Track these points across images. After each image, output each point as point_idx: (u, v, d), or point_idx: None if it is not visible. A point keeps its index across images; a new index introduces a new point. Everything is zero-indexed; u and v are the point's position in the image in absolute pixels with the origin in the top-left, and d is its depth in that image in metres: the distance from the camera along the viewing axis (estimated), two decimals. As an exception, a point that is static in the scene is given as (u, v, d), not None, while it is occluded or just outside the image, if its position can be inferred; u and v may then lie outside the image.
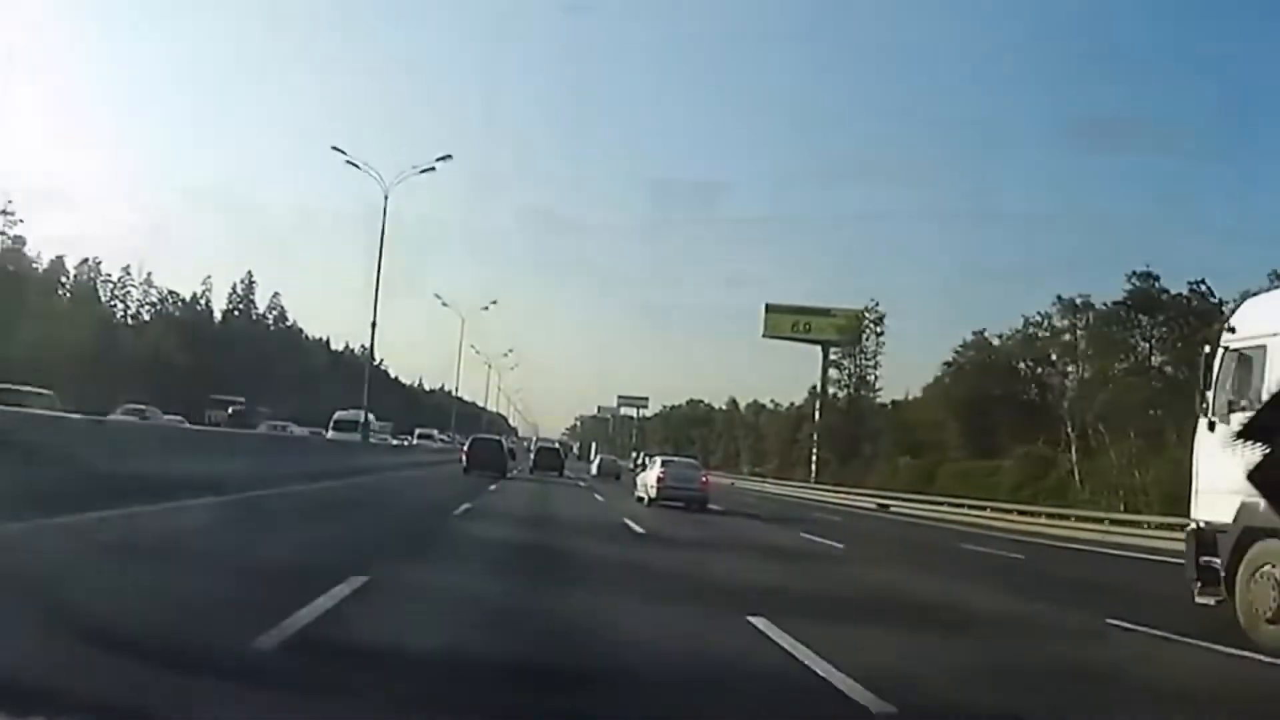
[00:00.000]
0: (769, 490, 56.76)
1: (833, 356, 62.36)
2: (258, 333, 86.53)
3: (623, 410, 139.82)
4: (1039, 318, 46.12)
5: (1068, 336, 44.94)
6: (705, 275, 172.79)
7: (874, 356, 57.73)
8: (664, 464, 25.84)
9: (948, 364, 49.40)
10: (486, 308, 69.01)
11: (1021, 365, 46.63)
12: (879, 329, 57.50)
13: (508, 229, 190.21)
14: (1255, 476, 2.20)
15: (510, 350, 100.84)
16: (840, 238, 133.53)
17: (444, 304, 64.93)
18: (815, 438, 63.20)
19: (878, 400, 58.56)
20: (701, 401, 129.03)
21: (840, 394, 60.25)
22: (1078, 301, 43.61)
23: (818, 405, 65.06)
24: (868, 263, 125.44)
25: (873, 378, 58.25)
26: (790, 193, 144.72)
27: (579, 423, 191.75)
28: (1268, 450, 2.16)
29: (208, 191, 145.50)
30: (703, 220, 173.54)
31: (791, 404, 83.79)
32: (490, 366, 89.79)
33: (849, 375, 59.21)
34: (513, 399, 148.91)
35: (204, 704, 3.44)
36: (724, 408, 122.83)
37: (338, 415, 47.02)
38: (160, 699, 3.33)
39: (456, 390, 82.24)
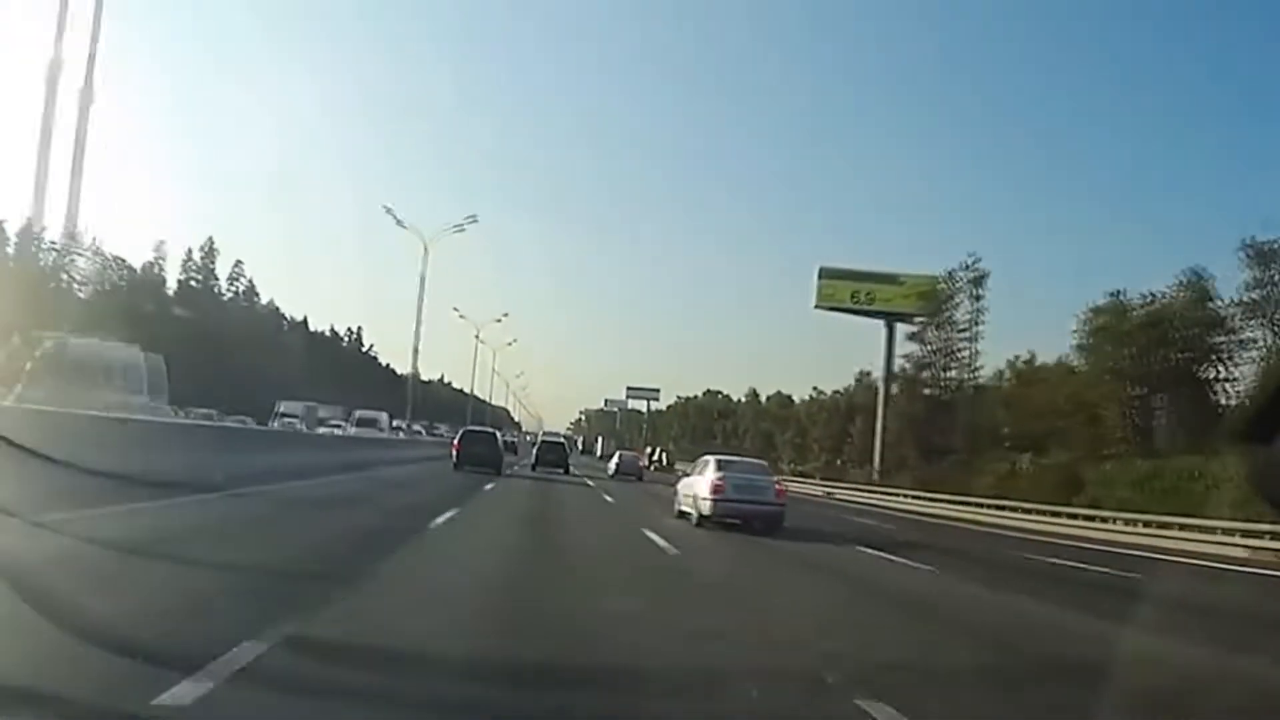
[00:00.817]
0: (832, 495, 45.18)
1: (909, 329, 50.21)
2: (214, 307, 74.58)
3: (631, 404, 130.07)
4: (1192, 276, 34.37)
5: (1255, 294, 32.94)
6: (718, 252, 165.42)
7: (972, 327, 45.32)
8: (721, 466, 18.08)
9: (1086, 333, 36.91)
10: (499, 320, 72.82)
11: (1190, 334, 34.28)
12: (978, 292, 45.10)
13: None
14: (1255, 477, 2.32)
15: (514, 340, 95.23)
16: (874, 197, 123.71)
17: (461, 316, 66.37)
18: (882, 429, 51.23)
19: (977, 382, 46.19)
20: (720, 392, 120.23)
21: (922, 374, 47.91)
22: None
23: (881, 391, 53.10)
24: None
25: (967, 354, 45.83)
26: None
27: (583, 417, 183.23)
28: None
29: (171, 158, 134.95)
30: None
31: (836, 392, 71.92)
32: (478, 339, 78.28)
33: (932, 351, 46.82)
34: (514, 390, 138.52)
35: None
36: (744, 399, 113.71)
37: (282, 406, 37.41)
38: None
39: (464, 381, 70.77)
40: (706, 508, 17.01)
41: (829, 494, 46.07)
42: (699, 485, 17.75)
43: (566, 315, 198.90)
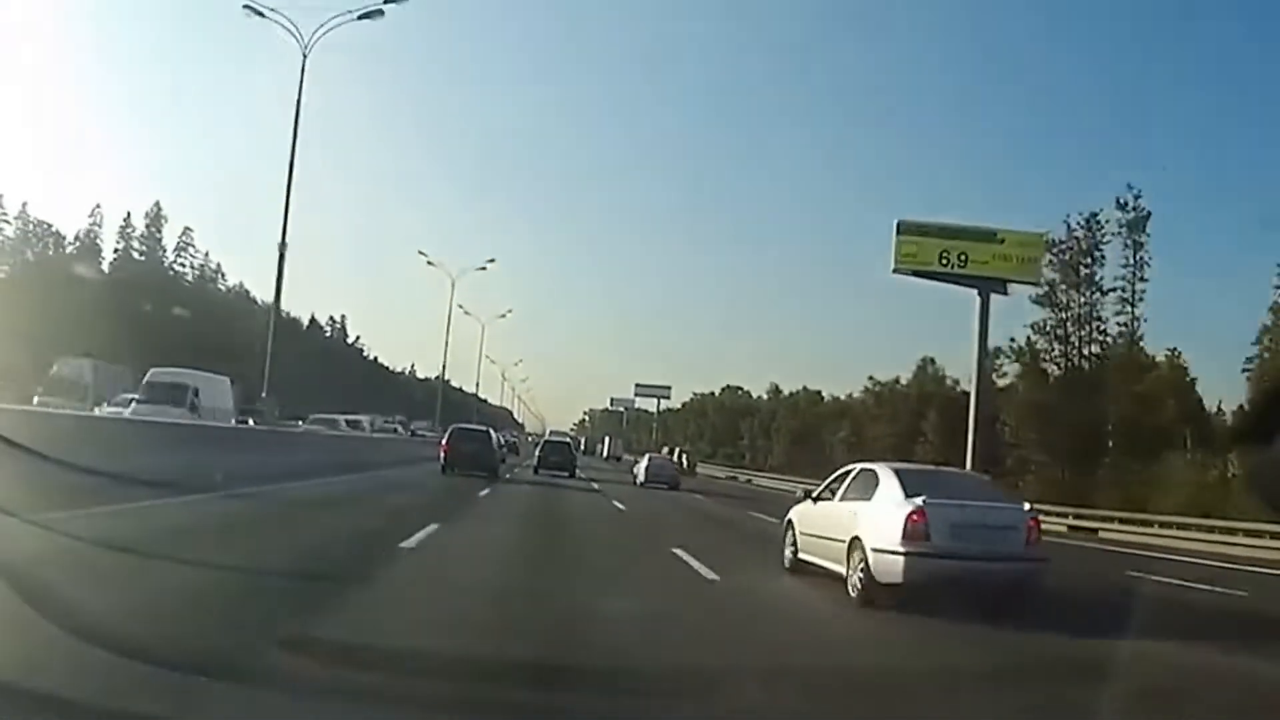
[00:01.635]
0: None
1: (1036, 292, 39.34)
2: (158, 282, 63.96)
3: (639, 402, 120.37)
4: None
5: None
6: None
7: (1131, 285, 34.50)
8: (910, 484, 9.40)
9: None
10: (504, 315, 71.63)
11: None
12: (1137, 238, 34.21)
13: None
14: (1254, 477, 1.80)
15: (520, 360, 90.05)
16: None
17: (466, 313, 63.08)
18: (975, 425, 40.50)
19: (1140, 358, 35.07)
20: (739, 388, 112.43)
21: (1051, 349, 36.97)
22: None
23: (974, 378, 42.39)
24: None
25: (1127, 321, 34.92)
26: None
27: (586, 417, 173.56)
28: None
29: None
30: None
31: (895, 380, 61.72)
32: (482, 326, 70.32)
33: (1069, 319, 35.94)
34: (518, 390, 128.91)
35: None
36: (765, 395, 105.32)
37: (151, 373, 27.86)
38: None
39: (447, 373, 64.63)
40: (894, 567, 8.84)
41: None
42: (864, 521, 9.43)
43: (569, 314, 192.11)
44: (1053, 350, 36.97)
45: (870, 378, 70.45)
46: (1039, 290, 38.05)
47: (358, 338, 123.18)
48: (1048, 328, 36.98)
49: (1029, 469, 35.04)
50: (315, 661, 4.75)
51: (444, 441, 28.26)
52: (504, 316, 73.95)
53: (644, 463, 39.54)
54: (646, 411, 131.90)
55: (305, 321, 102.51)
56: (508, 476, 29.38)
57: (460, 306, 60.44)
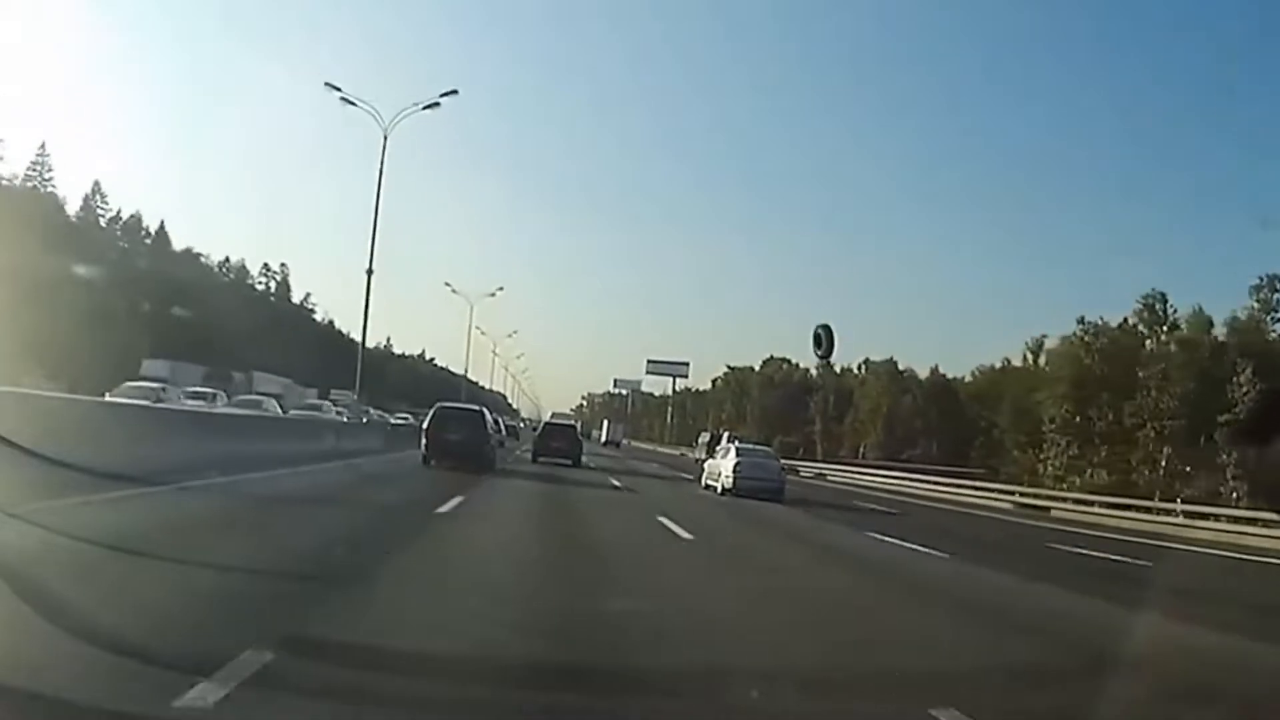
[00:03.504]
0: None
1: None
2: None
3: (647, 384, 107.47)
4: None
5: None
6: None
7: None
8: (740, 453, 25.37)
9: None
10: (493, 294, 67.21)
11: None
12: None
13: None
14: (1252, 476, 2.21)
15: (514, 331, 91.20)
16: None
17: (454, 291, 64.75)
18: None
19: None
20: (786, 360, 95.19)
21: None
22: None
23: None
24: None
25: None
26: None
27: (585, 402, 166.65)
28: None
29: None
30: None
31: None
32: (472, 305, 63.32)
33: None
34: (512, 372, 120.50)
35: None
36: (815, 371, 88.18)
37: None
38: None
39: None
40: (730, 484, 23.61)
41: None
42: (724, 466, 24.79)
43: (565, 294, 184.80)
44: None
45: (1033, 338, 66.47)
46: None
47: (307, 295, 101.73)
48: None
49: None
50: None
51: (425, 425, 23.20)
52: (493, 295, 68.92)
53: (728, 460, 24.97)
54: (653, 396, 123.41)
55: (215, 262, 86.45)
56: (500, 468, 24.28)
57: (447, 284, 53.40)
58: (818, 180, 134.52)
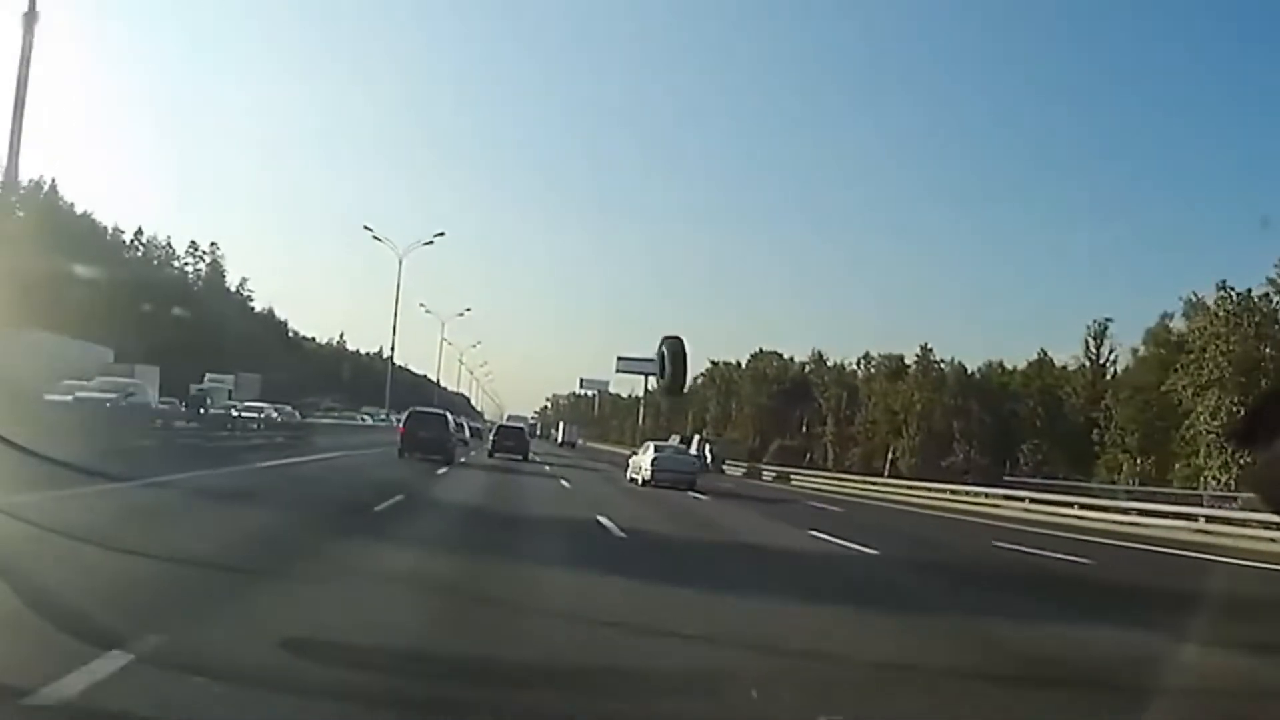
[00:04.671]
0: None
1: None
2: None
3: (615, 384, 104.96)
4: None
5: None
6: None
7: None
8: (657, 449, 30.21)
9: None
10: (462, 314, 77.34)
11: None
12: None
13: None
14: (1252, 476, 2.22)
15: (479, 342, 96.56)
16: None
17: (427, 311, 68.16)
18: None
19: None
20: (778, 354, 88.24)
21: None
22: None
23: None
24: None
25: None
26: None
27: (549, 403, 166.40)
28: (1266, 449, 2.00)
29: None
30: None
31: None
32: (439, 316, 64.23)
33: None
34: (476, 375, 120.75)
35: None
36: (808, 364, 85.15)
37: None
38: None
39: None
40: (649, 477, 27.36)
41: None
42: (644, 462, 28.62)
43: (533, 294, 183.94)
44: None
45: (1095, 320, 58.32)
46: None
47: (243, 280, 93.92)
48: None
49: None
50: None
51: (401, 425, 30.21)
52: (462, 315, 76.53)
53: (647, 455, 29.13)
54: (621, 397, 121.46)
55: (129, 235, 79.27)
56: (462, 460, 29.86)
57: (422, 305, 59.16)
58: (817, 179, 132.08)
